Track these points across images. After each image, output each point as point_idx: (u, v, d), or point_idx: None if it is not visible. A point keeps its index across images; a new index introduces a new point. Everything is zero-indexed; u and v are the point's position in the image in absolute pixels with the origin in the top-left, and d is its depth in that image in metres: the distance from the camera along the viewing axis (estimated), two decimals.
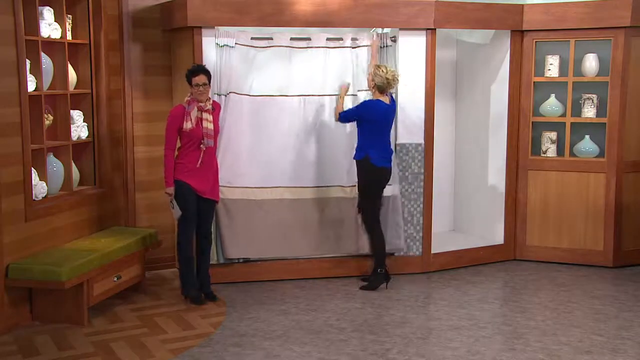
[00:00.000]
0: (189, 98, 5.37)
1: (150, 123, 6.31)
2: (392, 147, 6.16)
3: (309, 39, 6.10)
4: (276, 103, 6.05)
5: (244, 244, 6.00)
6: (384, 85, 5.73)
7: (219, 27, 5.84)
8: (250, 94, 5.98)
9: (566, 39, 6.60)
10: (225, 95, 5.89)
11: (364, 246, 6.17)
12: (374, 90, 5.78)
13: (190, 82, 5.34)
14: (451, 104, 7.33)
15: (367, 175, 5.84)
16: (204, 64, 5.59)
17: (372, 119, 5.74)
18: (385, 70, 5.72)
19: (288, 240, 6.13)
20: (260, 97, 6.01)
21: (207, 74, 5.37)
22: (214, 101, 5.52)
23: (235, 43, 5.90)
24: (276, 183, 6.10)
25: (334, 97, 6.11)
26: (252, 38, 5.97)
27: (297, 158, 6.13)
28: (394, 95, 6.11)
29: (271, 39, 6.02)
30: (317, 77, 6.12)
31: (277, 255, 6.15)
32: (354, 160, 5.91)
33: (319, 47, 6.11)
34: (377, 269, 5.96)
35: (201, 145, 5.33)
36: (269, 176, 6.07)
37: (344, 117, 5.83)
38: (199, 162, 5.35)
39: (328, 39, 6.12)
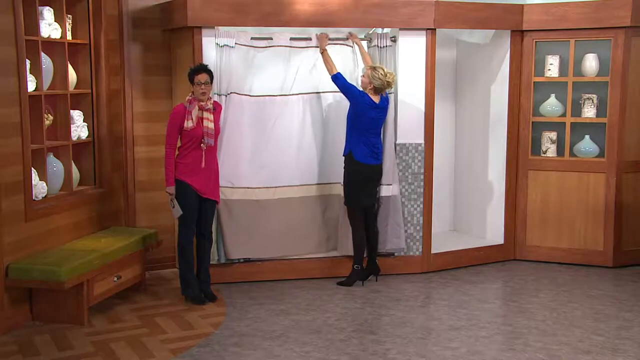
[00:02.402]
0: (190, 97, 5.37)
1: (150, 123, 6.31)
2: (393, 147, 6.17)
3: (309, 38, 6.09)
4: (277, 103, 6.05)
5: (246, 244, 6.00)
6: (382, 87, 5.75)
7: (219, 27, 5.84)
8: (251, 94, 5.98)
9: (566, 39, 6.60)
10: (226, 96, 5.88)
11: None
12: (370, 91, 5.78)
13: (192, 81, 5.35)
14: (451, 104, 7.33)
15: (350, 170, 5.86)
16: (206, 64, 5.60)
17: (363, 112, 5.74)
18: (383, 73, 5.73)
19: (289, 240, 6.15)
20: (261, 97, 6.01)
21: (210, 73, 5.39)
22: (215, 101, 5.52)
23: (235, 43, 5.89)
24: (277, 183, 6.10)
25: (335, 94, 6.09)
26: (252, 38, 5.97)
27: (298, 157, 6.15)
28: (392, 97, 6.14)
29: (271, 39, 6.01)
30: (317, 76, 6.11)
31: (278, 255, 6.15)
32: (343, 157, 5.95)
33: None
34: (354, 265, 5.99)
35: (202, 145, 5.34)
36: (270, 176, 6.08)
37: (340, 78, 5.75)
38: (203, 161, 5.36)
39: (330, 39, 6.12)
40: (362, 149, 5.82)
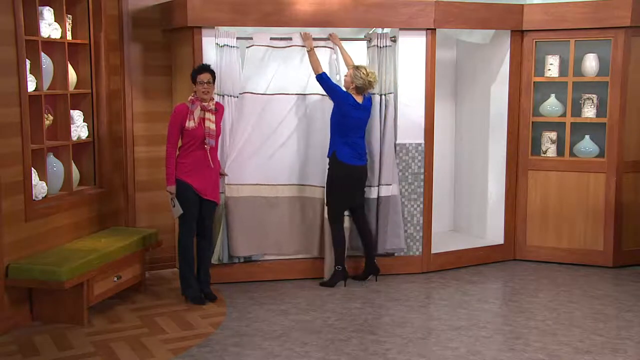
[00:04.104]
0: (192, 97, 5.38)
1: (151, 123, 6.31)
2: (393, 147, 6.17)
3: (327, 39, 6.06)
4: (282, 101, 6.03)
5: (251, 241, 6.01)
6: (365, 86, 5.74)
7: (219, 27, 5.84)
8: (259, 93, 5.96)
9: (566, 39, 6.60)
10: (229, 96, 5.87)
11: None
12: (352, 91, 5.77)
13: (194, 80, 5.36)
14: (451, 104, 7.33)
15: (335, 171, 5.84)
16: (209, 64, 5.61)
17: (345, 111, 5.72)
18: (365, 72, 5.72)
19: (294, 238, 6.14)
20: (270, 96, 5.99)
21: (212, 73, 5.40)
22: (217, 102, 5.53)
23: (253, 45, 5.90)
24: (282, 180, 6.09)
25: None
26: (271, 38, 5.94)
27: (304, 156, 6.12)
28: (392, 97, 6.13)
29: (290, 39, 5.99)
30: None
31: (282, 252, 6.16)
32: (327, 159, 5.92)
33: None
34: (336, 267, 5.97)
35: (205, 145, 5.34)
36: (276, 174, 6.07)
37: (325, 78, 5.74)
38: (210, 161, 5.37)
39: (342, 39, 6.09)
40: (346, 150, 5.80)
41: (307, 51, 5.87)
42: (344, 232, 5.97)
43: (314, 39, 5.97)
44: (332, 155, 5.84)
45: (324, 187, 6.13)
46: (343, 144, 5.80)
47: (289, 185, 6.13)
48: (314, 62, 5.82)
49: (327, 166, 5.91)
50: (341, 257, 5.96)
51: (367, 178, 6.03)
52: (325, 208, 5.99)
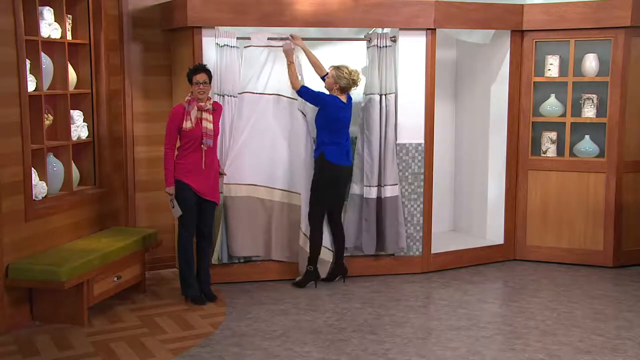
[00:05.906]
0: (189, 98, 5.38)
1: (150, 123, 6.31)
2: (393, 147, 6.16)
3: (331, 39, 6.07)
4: (280, 101, 6.02)
5: (251, 242, 6.00)
6: (349, 86, 5.74)
7: (219, 27, 5.84)
8: (259, 92, 5.95)
9: (566, 39, 6.60)
10: (229, 96, 5.86)
11: (364, 247, 6.19)
12: (336, 91, 5.75)
13: (190, 81, 5.35)
14: (451, 104, 7.33)
15: (322, 171, 5.81)
16: (205, 64, 5.59)
17: (333, 114, 5.71)
18: (348, 71, 5.69)
19: (293, 241, 6.13)
20: (266, 96, 5.98)
21: (208, 73, 5.39)
22: (215, 102, 5.52)
23: (250, 45, 5.89)
24: (278, 184, 6.07)
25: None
26: (268, 38, 5.93)
27: (295, 158, 6.10)
28: (393, 97, 6.13)
29: (287, 38, 5.98)
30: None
31: (278, 257, 6.15)
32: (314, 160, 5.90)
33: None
34: (307, 266, 5.95)
35: (202, 146, 5.34)
36: (272, 176, 6.05)
37: (305, 91, 5.72)
38: (202, 162, 5.36)
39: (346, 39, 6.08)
40: (334, 150, 5.77)
41: (288, 65, 5.78)
42: (322, 234, 5.94)
43: (307, 39, 5.96)
44: (319, 156, 5.82)
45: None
46: (331, 144, 5.76)
47: (287, 192, 6.10)
48: (292, 76, 5.75)
49: (314, 167, 5.88)
50: (315, 258, 5.93)
51: (351, 179, 6.01)
52: (303, 211, 5.97)
